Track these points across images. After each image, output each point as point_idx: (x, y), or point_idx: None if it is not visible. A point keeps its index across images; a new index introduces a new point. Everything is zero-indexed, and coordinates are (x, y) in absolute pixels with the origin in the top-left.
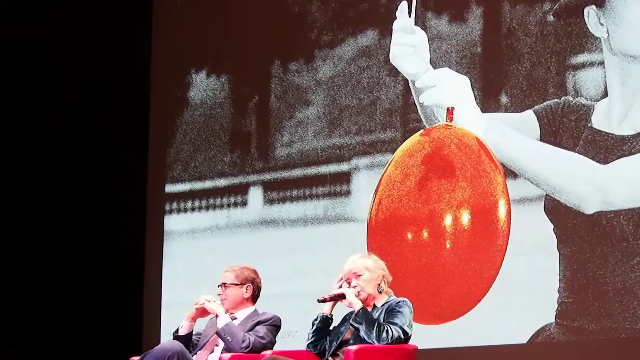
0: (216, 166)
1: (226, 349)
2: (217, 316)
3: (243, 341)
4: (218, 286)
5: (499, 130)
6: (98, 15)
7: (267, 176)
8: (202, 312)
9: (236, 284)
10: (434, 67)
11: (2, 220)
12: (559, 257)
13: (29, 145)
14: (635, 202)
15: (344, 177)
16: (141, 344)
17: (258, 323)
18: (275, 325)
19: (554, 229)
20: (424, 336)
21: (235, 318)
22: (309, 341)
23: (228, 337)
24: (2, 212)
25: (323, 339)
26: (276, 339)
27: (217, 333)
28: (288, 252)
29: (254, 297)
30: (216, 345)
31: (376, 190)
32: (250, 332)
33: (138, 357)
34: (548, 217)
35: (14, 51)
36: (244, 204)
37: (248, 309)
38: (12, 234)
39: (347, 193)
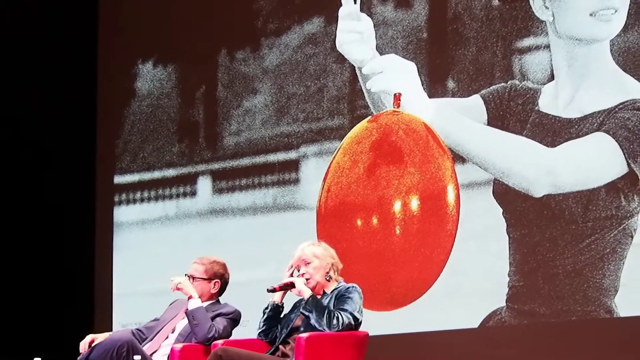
0: (164, 156)
1: (182, 336)
2: (190, 298)
3: (210, 331)
4: (185, 275)
5: (446, 115)
6: (43, 7)
7: (216, 165)
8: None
9: (204, 279)
10: (381, 54)
11: None
12: (509, 240)
13: None
14: (583, 185)
15: (293, 165)
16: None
17: (219, 315)
18: (234, 320)
19: (503, 213)
20: (376, 322)
21: None
22: (260, 330)
23: (195, 322)
24: None
25: (274, 327)
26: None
27: (186, 314)
28: (238, 241)
29: (220, 293)
30: (171, 332)
31: (325, 178)
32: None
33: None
34: (497, 201)
35: None
36: (193, 193)
37: (210, 301)
38: None
39: (296, 181)
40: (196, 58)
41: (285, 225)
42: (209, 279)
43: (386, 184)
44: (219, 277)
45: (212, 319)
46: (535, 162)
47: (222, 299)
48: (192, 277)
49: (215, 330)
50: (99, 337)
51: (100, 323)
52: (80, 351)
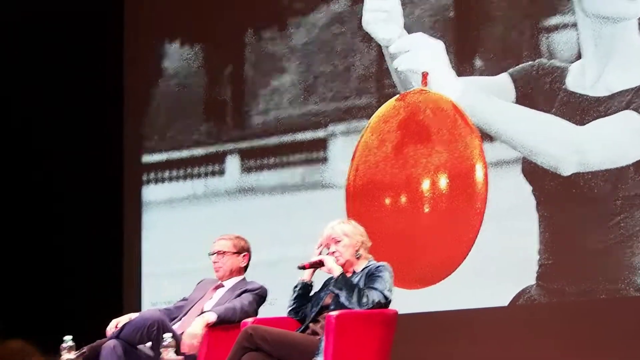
0: (192, 135)
1: None
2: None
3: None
4: (210, 254)
5: (474, 94)
6: None
7: (244, 144)
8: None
9: (234, 252)
10: (408, 32)
11: None
12: (538, 219)
13: (4, 122)
14: (611, 163)
15: (321, 144)
16: (122, 314)
17: (245, 291)
18: (261, 296)
19: (532, 191)
20: (405, 301)
21: (223, 286)
22: (290, 308)
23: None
24: None
25: (304, 306)
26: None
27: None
28: (266, 219)
29: (246, 268)
30: (200, 311)
31: (353, 157)
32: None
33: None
34: (526, 179)
35: None
36: (222, 172)
37: (237, 278)
38: None
39: (324, 160)
40: (223, 37)
41: (313, 204)
42: (238, 253)
43: (414, 163)
44: (247, 250)
45: (239, 295)
46: (564, 140)
47: (250, 277)
48: (222, 253)
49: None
50: (122, 320)
51: (129, 302)
52: (108, 333)
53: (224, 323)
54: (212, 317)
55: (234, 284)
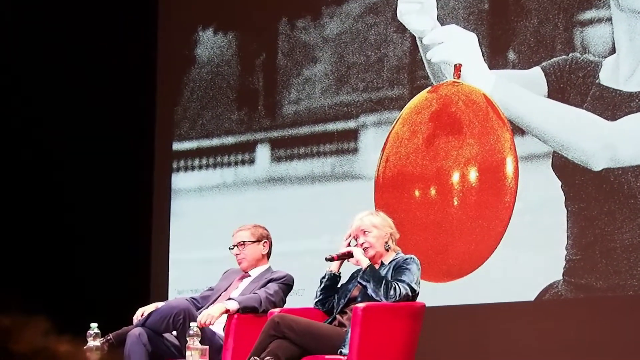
0: (223, 124)
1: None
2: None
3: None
4: (231, 247)
5: (506, 87)
6: None
7: (275, 134)
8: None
9: (253, 241)
10: (442, 24)
11: (5, 183)
12: (567, 214)
13: (32, 105)
14: None
15: (352, 135)
16: (149, 302)
17: (271, 280)
18: (287, 284)
19: (561, 186)
20: (432, 294)
21: (249, 276)
22: (317, 299)
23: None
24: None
25: (331, 297)
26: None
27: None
28: (295, 209)
29: (269, 254)
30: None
31: (384, 148)
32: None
33: (144, 314)
34: (556, 174)
35: (16, 14)
36: (252, 161)
37: (262, 267)
38: (20, 197)
39: (355, 150)
40: (256, 26)
41: (342, 194)
42: (258, 241)
43: (445, 155)
44: (266, 237)
45: (265, 284)
46: (595, 136)
47: (278, 266)
48: (243, 244)
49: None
50: (148, 309)
51: (156, 289)
52: (134, 321)
53: (248, 312)
54: (232, 306)
55: (259, 273)
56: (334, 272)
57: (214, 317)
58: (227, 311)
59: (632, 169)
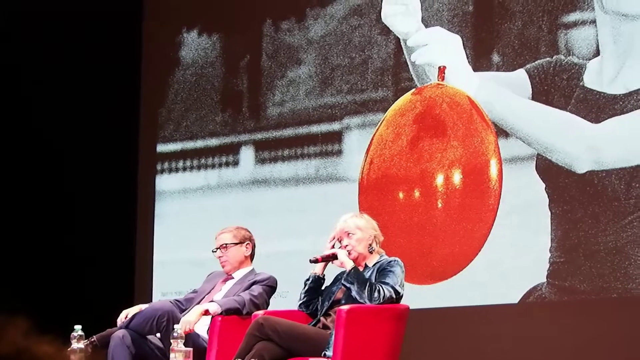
0: (207, 126)
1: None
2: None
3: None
4: (214, 250)
5: (490, 89)
6: None
7: (259, 135)
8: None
9: (236, 243)
10: (426, 26)
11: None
12: (551, 216)
13: (13, 107)
14: (626, 162)
15: (336, 137)
16: (133, 304)
17: (254, 282)
18: (270, 286)
19: (545, 189)
20: (416, 296)
21: (232, 278)
22: (301, 301)
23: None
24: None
25: (315, 299)
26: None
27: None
28: (279, 211)
29: (252, 256)
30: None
31: (368, 150)
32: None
33: (128, 316)
34: (540, 176)
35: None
36: (236, 163)
37: (246, 269)
38: (1, 199)
39: (339, 152)
40: (241, 27)
41: (327, 196)
42: (240, 243)
43: (429, 157)
44: (248, 239)
45: (249, 287)
46: (579, 138)
47: (262, 270)
48: (225, 246)
49: (249, 302)
50: (132, 311)
51: (140, 291)
52: (118, 323)
53: (231, 314)
54: (212, 307)
55: (242, 275)
56: (318, 274)
57: (192, 323)
58: (206, 312)
59: (616, 172)
